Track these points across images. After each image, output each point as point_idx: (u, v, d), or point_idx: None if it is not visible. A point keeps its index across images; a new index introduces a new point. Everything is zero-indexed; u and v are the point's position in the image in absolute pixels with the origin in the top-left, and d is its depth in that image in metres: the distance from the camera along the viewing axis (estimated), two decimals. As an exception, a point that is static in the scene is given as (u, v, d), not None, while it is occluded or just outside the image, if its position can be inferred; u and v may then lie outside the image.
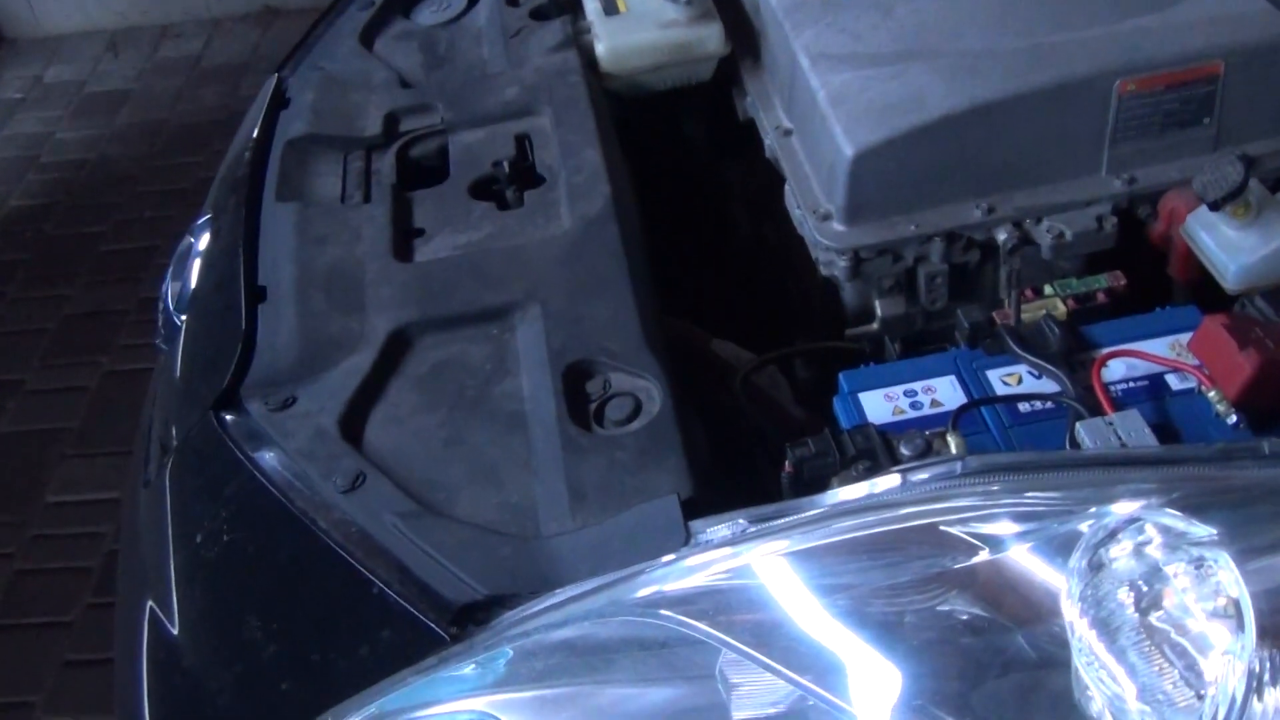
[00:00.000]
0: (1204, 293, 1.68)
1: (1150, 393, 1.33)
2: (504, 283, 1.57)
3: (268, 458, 1.39)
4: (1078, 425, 1.23)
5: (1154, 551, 0.81)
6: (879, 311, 1.73)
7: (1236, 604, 0.76)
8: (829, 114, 1.68)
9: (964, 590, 0.87)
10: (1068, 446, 1.25)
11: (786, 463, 1.28)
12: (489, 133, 1.87)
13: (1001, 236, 1.66)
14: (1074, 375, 1.35)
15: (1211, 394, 1.26)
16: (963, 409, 1.28)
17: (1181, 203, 1.63)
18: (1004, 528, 0.89)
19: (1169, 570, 0.80)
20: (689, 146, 2.22)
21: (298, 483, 1.35)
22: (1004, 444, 1.30)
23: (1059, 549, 0.85)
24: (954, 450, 1.24)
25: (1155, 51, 1.62)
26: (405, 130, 1.91)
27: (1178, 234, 1.63)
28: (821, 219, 1.70)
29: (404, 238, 1.69)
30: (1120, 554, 0.82)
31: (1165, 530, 0.81)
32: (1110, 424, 1.23)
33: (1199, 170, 1.49)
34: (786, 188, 1.80)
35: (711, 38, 1.96)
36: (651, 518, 1.19)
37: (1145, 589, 0.80)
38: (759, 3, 1.95)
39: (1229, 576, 0.77)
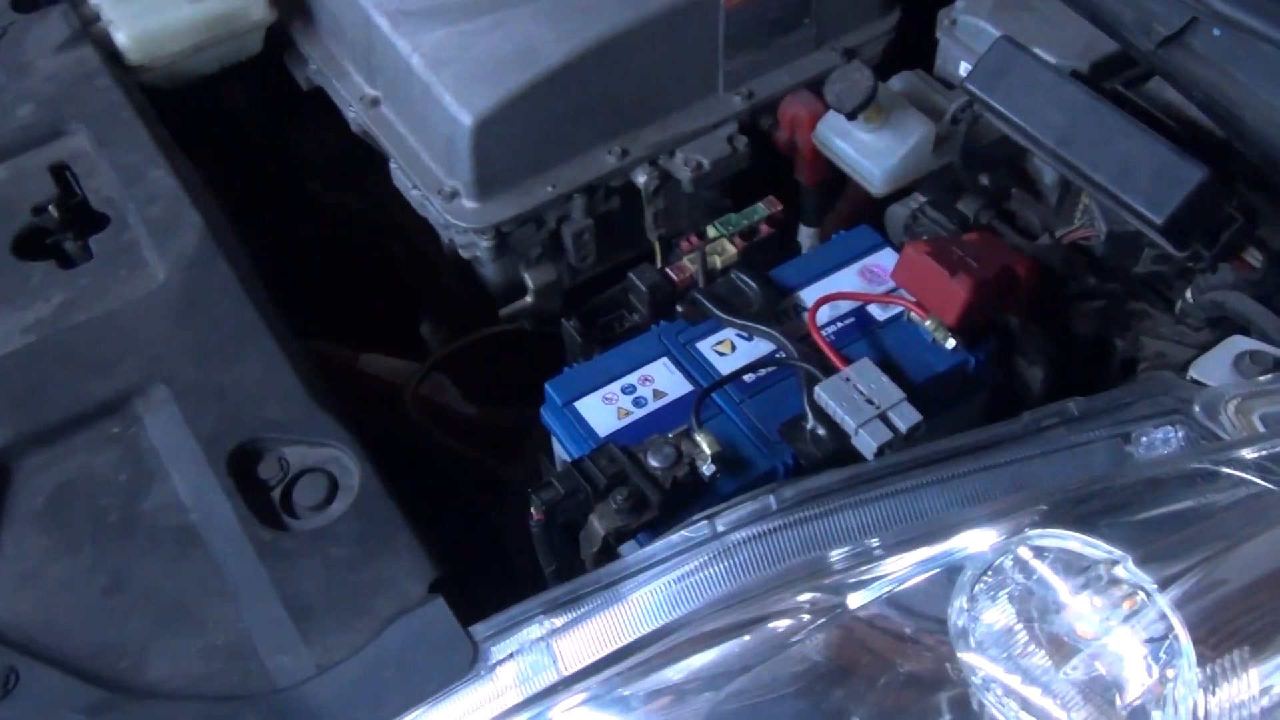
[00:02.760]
0: (833, 191, 1.68)
1: (860, 328, 1.29)
2: (107, 365, 1.28)
3: None
4: (817, 390, 1.17)
5: (1047, 574, 0.76)
6: (530, 283, 1.59)
7: (1161, 618, 0.72)
8: (431, 81, 1.49)
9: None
10: (807, 411, 1.19)
11: (533, 510, 1.13)
12: (12, 169, 1.50)
13: (641, 179, 1.57)
14: (784, 328, 1.28)
15: (928, 322, 1.25)
16: (700, 399, 1.18)
17: (801, 108, 1.61)
18: (877, 571, 0.81)
19: (1069, 592, 0.75)
20: (245, 129, 1.92)
21: (-71, 711, 1.04)
22: (742, 422, 1.22)
23: (932, 591, 0.78)
24: (705, 449, 1.15)
25: (751, -41, 1.56)
26: (-107, 185, 1.49)
27: (802, 139, 1.61)
28: (448, 199, 1.52)
29: (-52, 333, 1.33)
30: (1007, 586, 0.77)
31: (1049, 554, 0.76)
32: (848, 380, 1.18)
33: (829, 81, 1.46)
34: (392, 166, 1.60)
35: (253, 5, 1.68)
36: (421, 633, 1.01)
37: (1049, 617, 0.75)
38: (300, -45, 1.69)
39: (1142, 592, 0.73)
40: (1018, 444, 0.93)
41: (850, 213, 1.69)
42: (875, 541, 0.83)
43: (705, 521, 0.94)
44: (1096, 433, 0.92)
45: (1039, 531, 0.78)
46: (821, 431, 1.18)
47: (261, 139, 1.98)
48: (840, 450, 1.17)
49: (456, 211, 1.51)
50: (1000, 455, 0.92)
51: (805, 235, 1.75)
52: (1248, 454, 0.81)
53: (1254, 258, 1.20)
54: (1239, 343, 1.03)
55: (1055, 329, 1.37)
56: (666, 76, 1.56)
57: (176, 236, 1.39)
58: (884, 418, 1.15)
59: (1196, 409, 0.90)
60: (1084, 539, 0.76)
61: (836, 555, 0.84)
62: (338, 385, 1.54)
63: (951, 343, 1.24)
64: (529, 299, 1.60)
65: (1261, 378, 0.96)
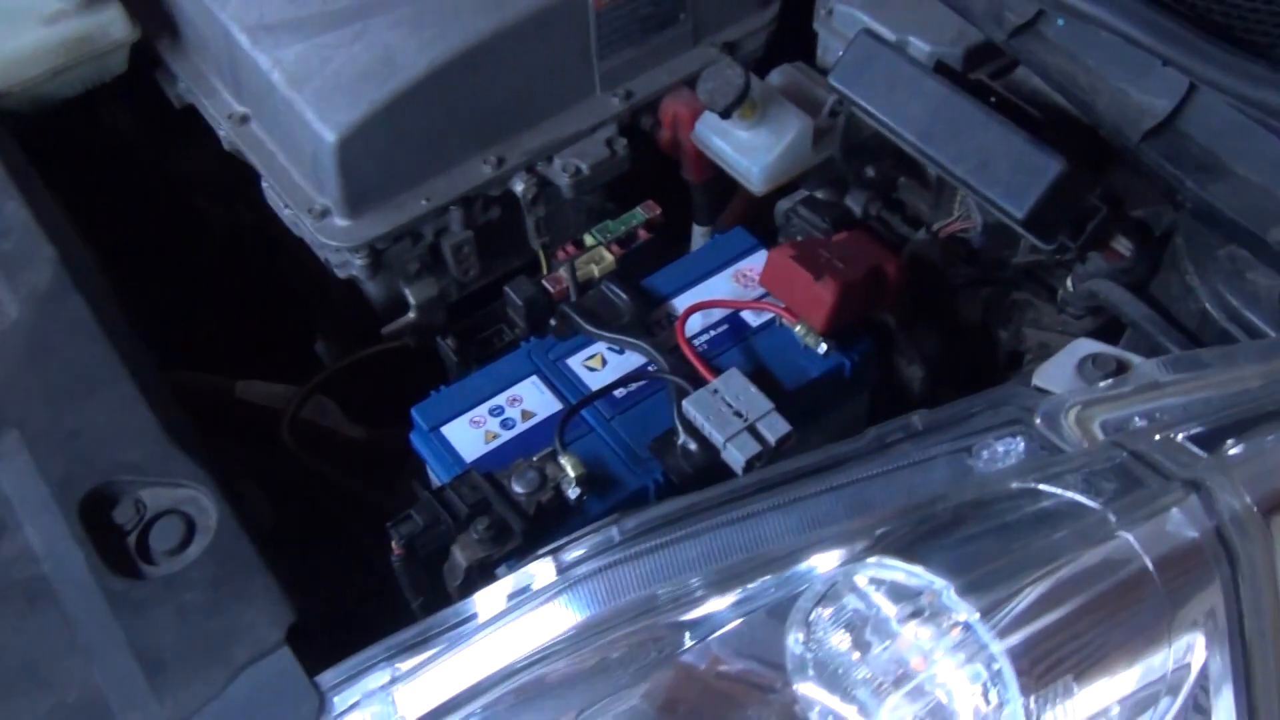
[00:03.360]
0: (723, 188, 1.65)
1: (733, 335, 1.27)
2: (-45, 411, 1.23)
3: None
4: (685, 404, 1.14)
5: (880, 603, 0.73)
6: (411, 299, 1.55)
7: (984, 648, 0.70)
8: (293, 98, 1.44)
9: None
10: (677, 426, 1.16)
11: (394, 544, 1.09)
12: None
13: (519, 187, 1.53)
14: (655, 340, 1.25)
15: (798, 328, 1.22)
16: (564, 420, 1.14)
17: (682, 106, 1.57)
18: (704, 609, 0.78)
19: (899, 622, 0.73)
20: (130, 148, 1.86)
21: None
22: (612, 439, 1.19)
23: (768, 623, 0.75)
24: (570, 471, 1.11)
25: (619, -44, 1.52)
26: None
27: (685, 138, 1.57)
28: (319, 217, 1.48)
29: None
30: (843, 614, 0.74)
31: (883, 583, 0.73)
32: (715, 392, 1.15)
33: (701, 79, 1.43)
34: (264, 185, 1.55)
35: (113, 23, 1.62)
36: (267, 685, 0.97)
37: (882, 646, 0.72)
38: (160, -30, 1.64)
39: (967, 623, 0.70)
40: (861, 462, 0.90)
41: (744, 209, 1.66)
42: (701, 579, 0.80)
43: (550, 556, 0.90)
44: (939, 447, 0.89)
45: (871, 560, 0.75)
46: (692, 446, 1.15)
47: (147, 157, 1.92)
48: (711, 465, 1.14)
49: (328, 230, 1.47)
50: (844, 475, 0.89)
51: (698, 234, 1.71)
52: (1074, 471, 0.78)
53: (1123, 246, 1.18)
54: (1083, 346, 1.00)
55: (940, 324, 1.35)
56: (539, 81, 1.52)
57: (29, 272, 1.34)
58: (753, 430, 1.13)
59: (1037, 419, 0.88)
60: (908, 568, 0.73)
61: (671, 590, 0.80)
62: (213, 416, 1.50)
63: (823, 347, 1.22)
64: (411, 315, 1.56)
65: (1102, 383, 0.94)
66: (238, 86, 1.58)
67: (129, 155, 1.89)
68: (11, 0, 1.60)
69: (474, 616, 0.90)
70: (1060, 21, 1.03)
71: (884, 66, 1.22)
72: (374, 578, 1.34)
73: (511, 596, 0.90)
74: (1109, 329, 1.27)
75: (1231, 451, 0.76)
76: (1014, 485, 0.78)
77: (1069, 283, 1.29)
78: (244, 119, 1.59)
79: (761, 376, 1.20)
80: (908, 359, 1.29)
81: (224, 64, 1.59)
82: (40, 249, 1.36)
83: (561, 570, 0.89)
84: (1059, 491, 0.76)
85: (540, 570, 0.89)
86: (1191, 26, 0.96)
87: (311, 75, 1.44)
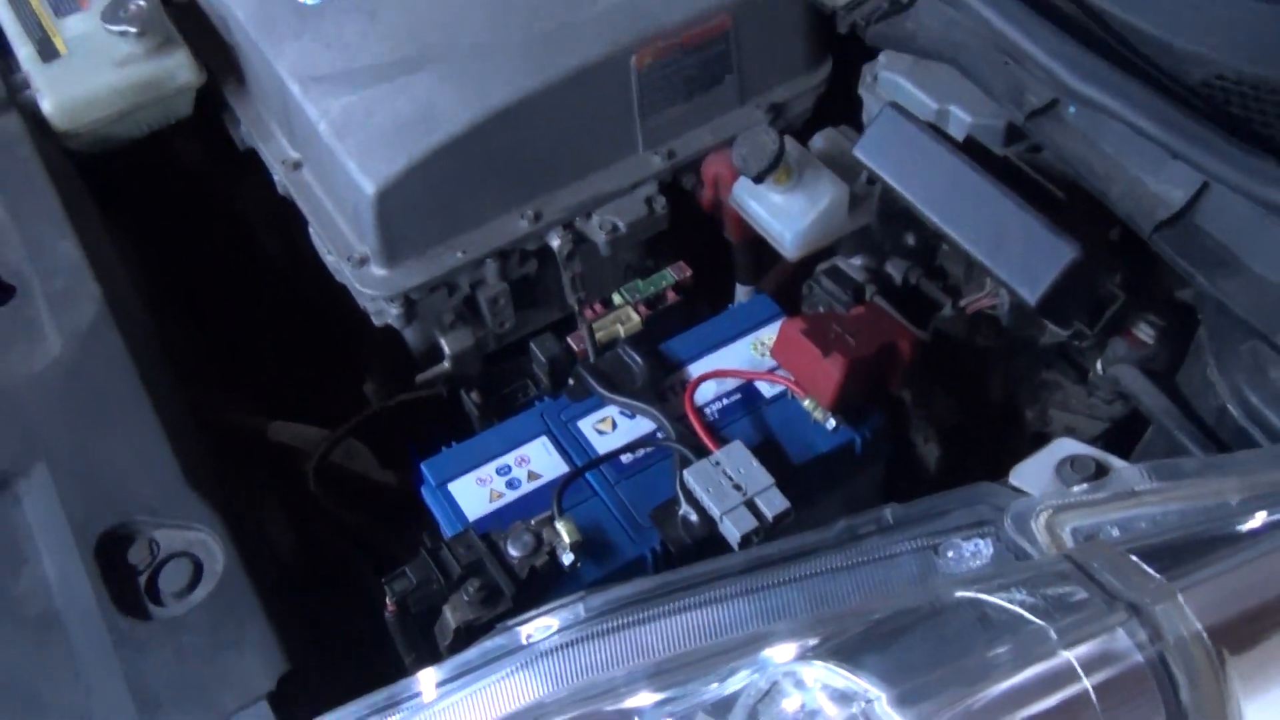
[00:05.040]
0: (765, 249, 1.64)
1: (745, 406, 1.26)
2: (-7, 445, 1.27)
3: None
4: (685, 474, 1.14)
5: (823, 704, 0.72)
6: (446, 349, 1.57)
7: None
8: (336, 148, 1.48)
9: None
10: (680, 496, 1.15)
11: (388, 600, 1.11)
12: (-76, 241, 1.51)
13: (555, 243, 1.54)
14: (667, 406, 1.25)
15: (806, 402, 1.21)
16: (563, 486, 1.15)
17: (724, 167, 1.57)
18: (643, 699, 0.77)
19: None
20: (190, 188, 1.92)
21: None
22: (613, 505, 1.19)
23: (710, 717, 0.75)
24: (565, 537, 1.12)
25: (663, 17, 1.53)
26: None
27: (726, 199, 1.57)
28: (359, 265, 1.51)
29: None
30: (787, 713, 0.73)
31: (825, 686, 0.72)
32: (717, 464, 1.14)
33: (736, 144, 1.43)
34: (311, 231, 1.59)
35: (180, 68, 1.68)
36: (242, 738, 0.99)
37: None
38: (227, 19, 1.69)
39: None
40: (829, 554, 0.89)
41: (786, 271, 1.65)
42: (649, 668, 0.79)
43: (519, 628, 0.90)
44: (907, 544, 0.88)
45: (817, 663, 0.74)
46: (693, 517, 1.15)
47: (216, 193, 1.98)
48: (710, 536, 1.14)
49: (365, 279, 1.50)
50: (810, 565, 0.87)
51: (741, 294, 1.71)
52: (1021, 584, 0.76)
53: (1145, 333, 1.14)
54: (1065, 446, 0.97)
55: (962, 401, 1.32)
56: (580, 138, 1.53)
57: (75, 309, 1.39)
58: (751, 504, 1.12)
59: (1007, 521, 0.86)
60: (846, 674, 0.72)
61: (624, 676, 0.80)
62: (245, 457, 1.53)
63: (832, 423, 1.20)
64: (446, 365, 1.58)
65: (1077, 488, 0.91)
66: (291, 133, 1.63)
67: (199, 191, 1.96)
68: (85, 44, 1.67)
69: (440, 684, 0.90)
70: (1072, 109, 1.01)
71: (907, 141, 1.21)
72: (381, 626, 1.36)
73: (477, 667, 0.90)
74: (1139, 415, 1.24)
75: (1190, 574, 0.73)
76: (958, 594, 0.76)
77: (1099, 365, 1.26)
78: (297, 165, 1.63)
79: (769, 449, 1.19)
80: (924, 436, 1.27)
81: (280, 111, 1.63)
82: (85, 288, 1.41)
83: (525, 645, 0.89)
84: (1003, 604, 0.74)
85: (509, 641, 0.90)
86: (1204, 120, 0.94)
87: (355, 127, 1.48)
